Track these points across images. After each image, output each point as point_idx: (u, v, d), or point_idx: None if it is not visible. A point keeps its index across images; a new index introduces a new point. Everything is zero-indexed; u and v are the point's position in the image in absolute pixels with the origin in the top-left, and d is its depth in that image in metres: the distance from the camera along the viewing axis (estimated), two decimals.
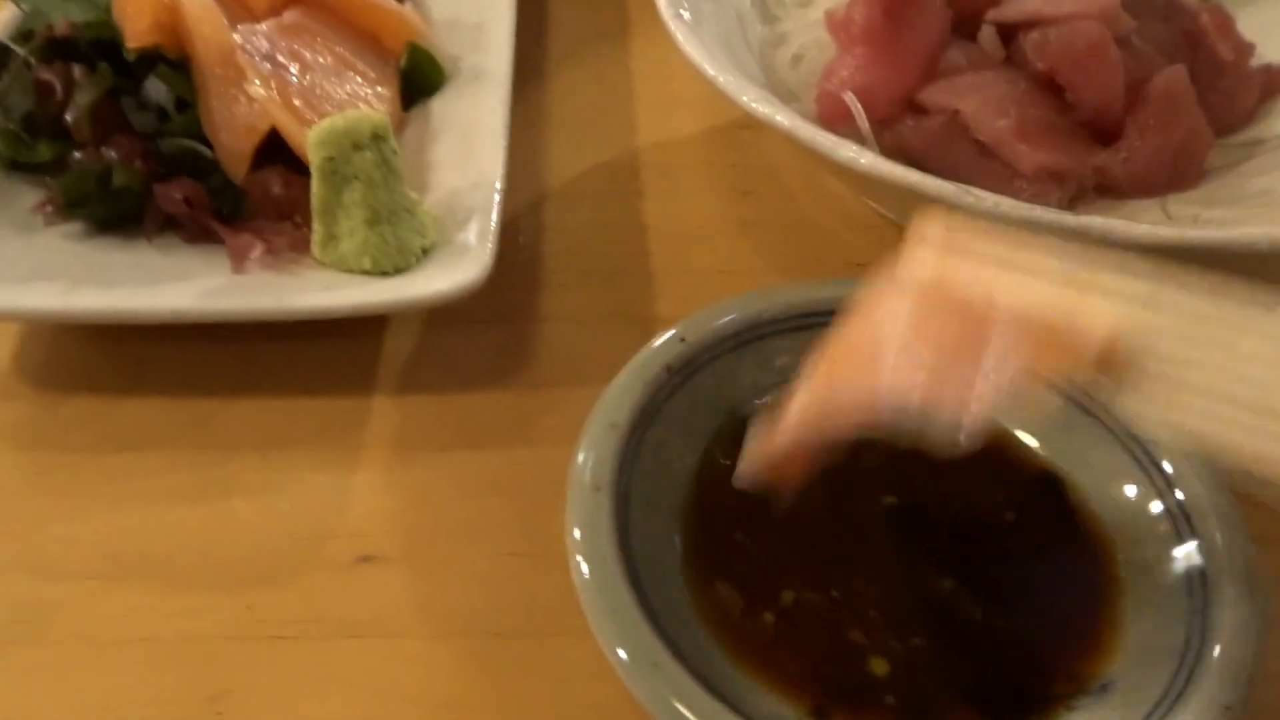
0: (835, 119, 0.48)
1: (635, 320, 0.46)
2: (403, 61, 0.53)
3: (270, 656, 0.34)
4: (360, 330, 0.44)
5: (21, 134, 0.46)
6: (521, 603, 0.36)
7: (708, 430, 0.37)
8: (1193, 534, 0.33)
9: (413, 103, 0.53)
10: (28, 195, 0.45)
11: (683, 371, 0.37)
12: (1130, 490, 0.35)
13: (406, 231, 0.42)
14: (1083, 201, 0.48)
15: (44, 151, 0.45)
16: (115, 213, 0.44)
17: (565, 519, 0.32)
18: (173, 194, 0.43)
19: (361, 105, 0.48)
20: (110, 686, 0.33)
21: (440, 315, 0.45)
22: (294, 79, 0.47)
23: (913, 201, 0.45)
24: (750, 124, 0.50)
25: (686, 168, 0.54)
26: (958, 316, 0.27)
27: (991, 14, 0.49)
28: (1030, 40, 0.48)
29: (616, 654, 0.29)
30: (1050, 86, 0.48)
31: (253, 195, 0.45)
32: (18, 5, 0.50)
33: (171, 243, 0.44)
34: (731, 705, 0.28)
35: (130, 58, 0.46)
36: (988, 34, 0.49)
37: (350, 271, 0.42)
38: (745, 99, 0.42)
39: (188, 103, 0.46)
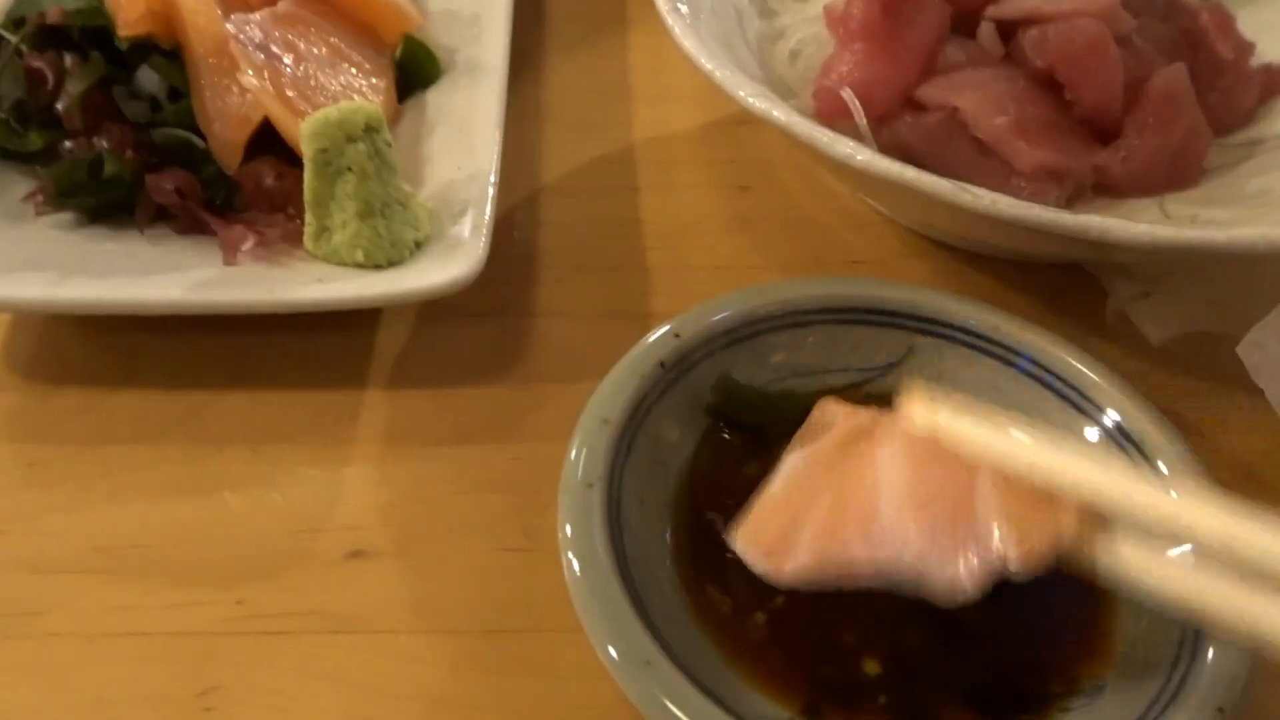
0: (833, 115, 0.48)
1: (630, 316, 0.46)
2: (398, 53, 0.52)
3: (261, 651, 0.34)
4: (353, 323, 0.44)
5: (12, 123, 0.45)
6: (514, 599, 0.36)
7: (701, 427, 0.37)
8: None
9: (408, 95, 0.52)
10: (18, 184, 0.45)
11: (677, 367, 0.37)
12: None
13: (400, 224, 0.42)
14: (1081, 200, 0.48)
15: (35, 140, 0.45)
16: (106, 203, 0.44)
17: (557, 515, 0.32)
18: (164, 184, 0.43)
19: (356, 97, 0.48)
20: (100, 680, 0.33)
21: (434, 309, 0.45)
22: (288, 70, 0.46)
23: (909, 199, 0.45)
24: (747, 119, 0.50)
25: (683, 163, 0.54)
26: (948, 477, 0.29)
27: (991, 11, 0.49)
28: (1029, 37, 0.47)
29: (608, 652, 0.29)
30: (1049, 84, 0.48)
31: (245, 186, 0.45)
32: None
33: (163, 234, 0.44)
34: (723, 704, 0.28)
35: (122, 46, 0.46)
36: (987, 31, 0.49)
37: (343, 264, 0.42)
38: (741, 94, 0.42)
39: (180, 92, 0.46)
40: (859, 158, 0.39)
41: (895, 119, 0.48)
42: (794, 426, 0.36)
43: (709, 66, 0.43)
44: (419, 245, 0.43)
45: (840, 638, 0.32)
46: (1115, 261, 0.46)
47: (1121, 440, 0.35)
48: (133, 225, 0.44)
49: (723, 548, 0.33)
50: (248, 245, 0.42)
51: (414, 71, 0.52)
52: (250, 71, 0.44)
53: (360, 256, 0.41)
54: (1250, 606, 0.24)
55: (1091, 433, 0.36)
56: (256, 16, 0.47)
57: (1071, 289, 0.47)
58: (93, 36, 0.46)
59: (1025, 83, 0.48)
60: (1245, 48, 0.52)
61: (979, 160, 0.47)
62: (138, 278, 0.41)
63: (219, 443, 0.40)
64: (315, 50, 0.48)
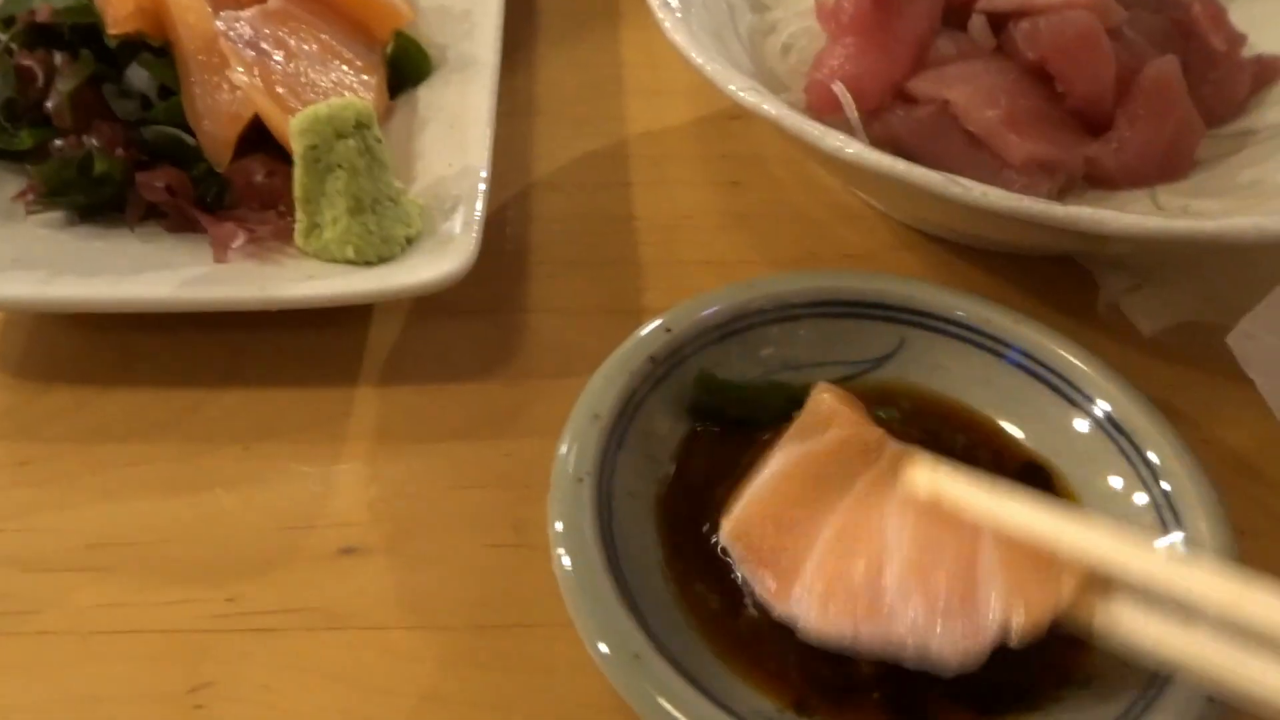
0: (824, 109, 0.48)
1: (623, 311, 0.46)
2: (389, 50, 0.52)
3: (252, 648, 0.34)
4: (345, 320, 0.44)
5: (2, 121, 0.45)
6: (506, 594, 0.36)
7: (691, 421, 0.37)
8: (1178, 525, 0.33)
9: (400, 91, 0.52)
10: (9, 183, 0.45)
11: (667, 362, 0.37)
12: (1116, 482, 0.35)
13: (390, 221, 0.42)
14: (1073, 192, 0.48)
15: (25, 139, 0.45)
16: (97, 201, 0.44)
17: (547, 511, 0.32)
18: (154, 182, 0.43)
19: (347, 93, 0.48)
20: (91, 678, 0.33)
21: (426, 306, 0.45)
22: (278, 66, 0.46)
23: (900, 192, 0.45)
24: (740, 114, 0.50)
25: (676, 158, 0.54)
26: (953, 540, 0.30)
27: (982, 3, 0.49)
28: (1020, 30, 0.47)
29: (596, 646, 0.29)
30: (1041, 76, 0.48)
31: (236, 184, 0.44)
32: None
33: (154, 232, 0.44)
34: (713, 698, 0.28)
35: (112, 44, 0.45)
36: (978, 23, 0.49)
37: (334, 261, 0.42)
38: (732, 87, 0.42)
39: (171, 90, 0.46)
40: (849, 151, 0.39)
41: (887, 112, 0.48)
42: (781, 416, 0.36)
43: (699, 60, 0.43)
44: (410, 241, 0.43)
45: None
46: (1107, 254, 0.46)
47: (1112, 431, 0.35)
48: (123, 223, 0.44)
49: (713, 543, 0.33)
50: (238, 242, 0.42)
51: (406, 68, 0.52)
52: (240, 68, 0.44)
53: (351, 253, 0.41)
54: (1248, 668, 0.25)
55: (1082, 424, 0.36)
56: (247, 13, 0.47)
57: (1064, 281, 0.47)
58: (82, 34, 0.46)
59: (1017, 75, 0.48)
60: (1237, 39, 0.52)
61: (970, 153, 0.47)
62: (128, 276, 0.41)
63: (211, 440, 0.40)
64: (306, 47, 0.48)
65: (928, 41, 0.49)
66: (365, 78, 0.50)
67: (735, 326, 0.39)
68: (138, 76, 0.46)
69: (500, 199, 0.51)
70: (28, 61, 0.45)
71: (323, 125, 0.40)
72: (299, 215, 0.42)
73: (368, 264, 0.41)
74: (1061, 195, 0.47)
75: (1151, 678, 0.29)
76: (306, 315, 0.42)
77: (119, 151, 0.44)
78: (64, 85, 0.45)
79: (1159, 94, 0.48)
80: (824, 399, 0.35)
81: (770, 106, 0.41)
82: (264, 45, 0.46)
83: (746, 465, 0.35)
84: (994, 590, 0.28)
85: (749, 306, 0.39)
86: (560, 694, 0.33)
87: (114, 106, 0.46)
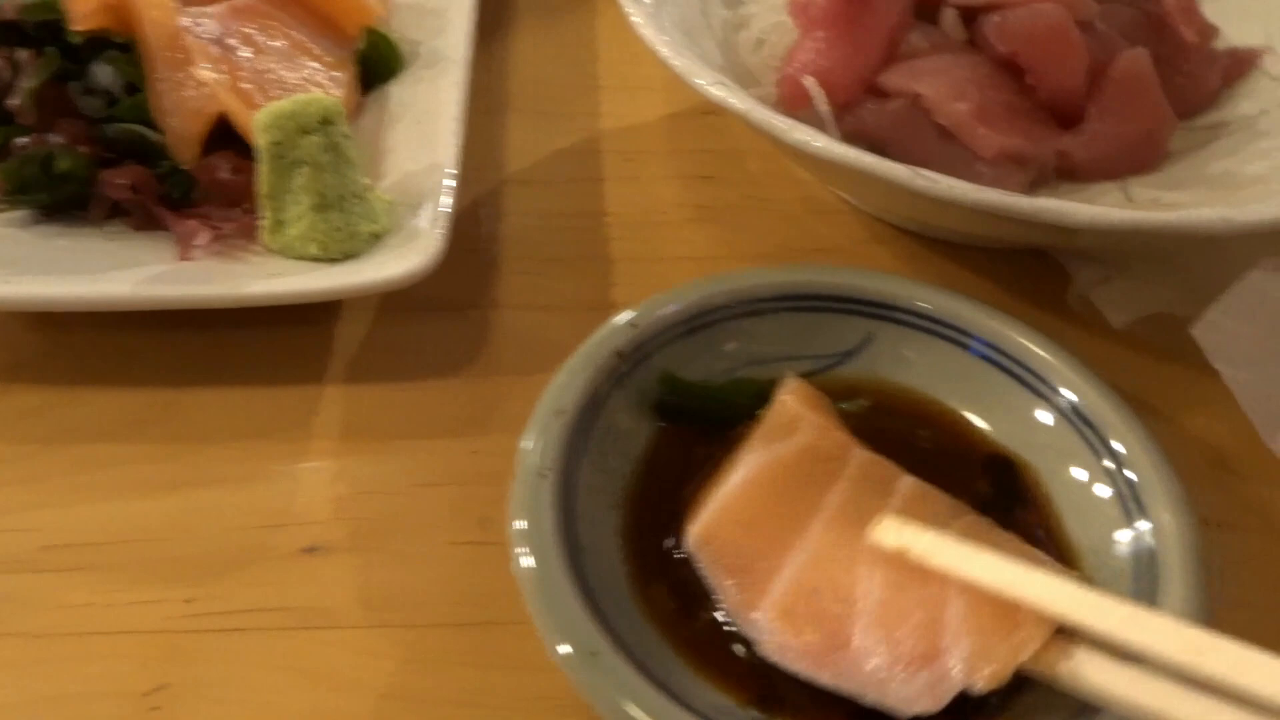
0: (796, 103, 0.48)
1: (594, 307, 0.46)
2: (361, 46, 0.52)
3: (213, 649, 0.34)
4: (313, 317, 0.44)
5: None
6: (471, 592, 0.35)
7: (658, 418, 0.37)
8: (1143, 516, 0.33)
9: (371, 87, 0.52)
10: None
11: (633, 357, 0.37)
12: (1082, 473, 0.35)
13: (357, 217, 0.41)
14: (1045, 185, 0.48)
15: None
16: (60, 199, 0.43)
17: (509, 508, 0.32)
18: (117, 180, 0.43)
19: (316, 90, 0.47)
20: (46, 679, 0.33)
21: (396, 302, 0.45)
22: (245, 62, 0.46)
23: (868, 185, 0.45)
24: (714, 109, 0.49)
25: (650, 153, 0.54)
26: (922, 588, 0.30)
27: None
28: (991, 23, 0.47)
29: (553, 643, 0.28)
30: (1012, 69, 0.48)
31: (202, 181, 0.44)
32: None
33: (119, 230, 0.44)
34: (674, 696, 0.28)
35: (77, 41, 0.45)
36: (949, 16, 0.49)
37: (299, 258, 0.41)
38: (699, 81, 0.41)
39: (137, 87, 0.45)
40: (816, 144, 0.39)
41: (858, 106, 0.48)
42: (749, 412, 0.36)
43: (667, 54, 0.43)
44: (377, 238, 0.42)
45: None
46: (1077, 246, 0.46)
47: (1078, 422, 0.35)
48: (88, 221, 0.44)
49: (677, 543, 0.33)
50: (202, 240, 0.41)
51: (377, 64, 0.52)
52: (205, 64, 0.44)
53: (316, 250, 0.41)
54: (1208, 717, 0.25)
55: (1049, 415, 0.36)
56: (213, 9, 0.47)
57: (1036, 275, 0.47)
58: (47, 31, 0.45)
59: (988, 68, 0.47)
60: (1208, 31, 0.52)
61: (942, 146, 0.47)
62: (92, 274, 0.40)
63: (175, 441, 0.39)
64: (274, 43, 0.48)
65: (899, 35, 0.48)
66: (335, 74, 0.49)
67: (702, 321, 0.38)
68: (103, 73, 0.45)
69: (472, 194, 0.51)
70: None
71: (286, 121, 0.40)
72: (264, 212, 0.42)
73: (333, 261, 0.41)
74: (1033, 188, 0.47)
75: None
76: (273, 313, 0.42)
77: (83, 149, 0.44)
78: (28, 82, 0.44)
79: (1130, 86, 0.48)
80: (787, 401, 0.35)
81: (737, 100, 0.41)
82: (230, 41, 0.46)
83: (714, 464, 0.35)
84: (959, 642, 0.29)
85: (716, 301, 0.38)
86: (525, 691, 0.33)
87: (79, 104, 0.45)
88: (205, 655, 0.34)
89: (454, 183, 0.44)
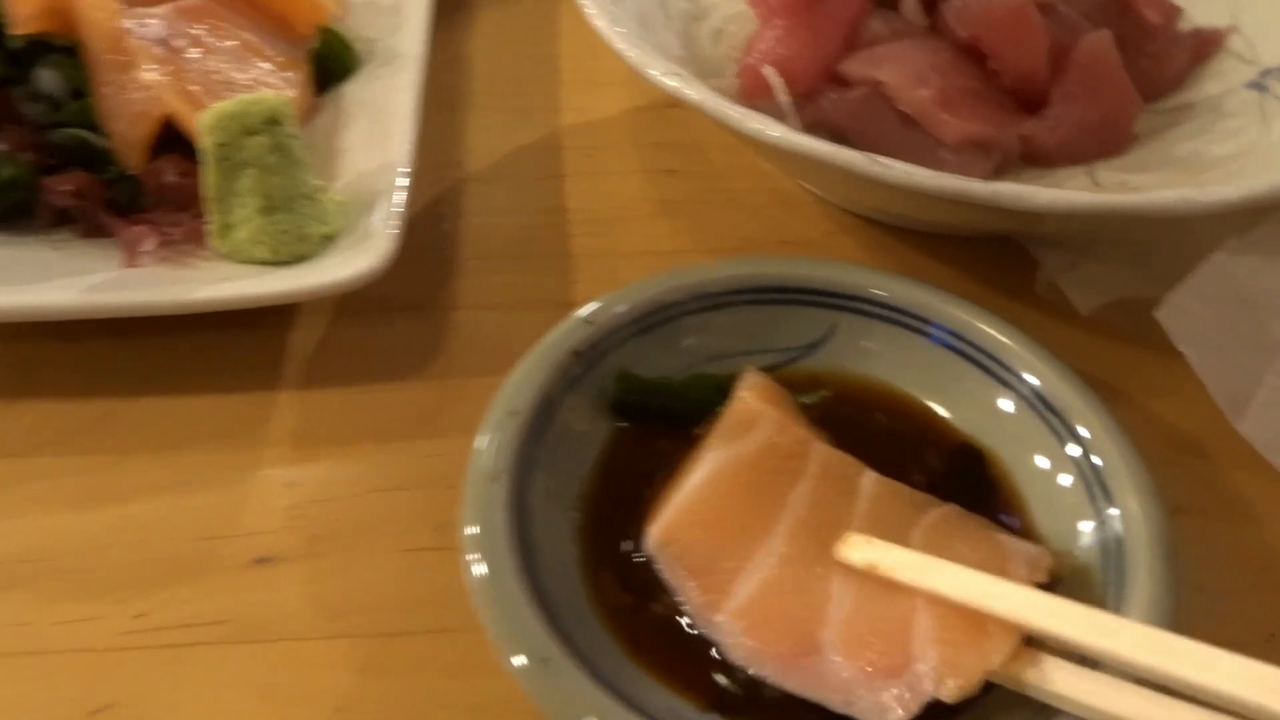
0: (757, 93, 0.47)
1: (554, 305, 0.45)
2: (315, 46, 0.51)
3: (159, 666, 0.33)
4: (266, 322, 0.43)
5: None
6: (425, 600, 0.34)
7: (616, 418, 0.36)
8: (1109, 502, 0.32)
9: (326, 87, 0.51)
10: None
11: (590, 355, 0.36)
12: (1047, 460, 0.34)
13: (306, 219, 0.40)
14: (1010, 171, 0.47)
15: None
16: (4, 207, 0.42)
17: (461, 513, 0.31)
18: (62, 187, 0.42)
19: (267, 90, 0.46)
20: None
21: (352, 304, 0.44)
22: (192, 64, 0.45)
23: (827, 174, 0.44)
24: (677, 102, 0.48)
25: (611, 148, 0.53)
26: (890, 600, 0.30)
27: None
28: (951, 7, 0.47)
29: (504, 649, 0.28)
30: (974, 55, 0.47)
31: (149, 186, 0.43)
32: None
33: (66, 238, 0.43)
34: (629, 702, 0.27)
35: (17, 45, 0.44)
36: (910, 2, 0.48)
37: (248, 261, 0.40)
38: (653, 73, 0.41)
39: (83, 91, 0.44)
40: (771, 133, 0.38)
41: (820, 95, 0.47)
42: (710, 408, 0.35)
43: (621, 45, 0.42)
44: (328, 239, 0.41)
45: None
46: (1042, 232, 0.45)
47: (1041, 408, 0.34)
48: (34, 230, 0.42)
49: (636, 546, 0.32)
50: (148, 245, 0.40)
51: (331, 63, 0.51)
52: (150, 66, 0.43)
53: (264, 253, 0.40)
54: None
55: (1012, 402, 0.35)
56: (158, 10, 0.46)
57: (1004, 263, 0.47)
58: None
59: (949, 54, 0.47)
60: (1172, 12, 0.51)
61: (905, 134, 0.46)
62: (33, 283, 0.39)
63: (122, 452, 0.38)
64: (223, 44, 0.47)
65: (859, 22, 0.48)
66: (287, 74, 0.48)
67: (661, 317, 0.37)
68: (46, 78, 0.44)
69: (431, 193, 0.50)
70: None
71: (230, 122, 0.39)
72: (211, 215, 0.41)
73: (283, 263, 0.40)
74: (998, 174, 0.47)
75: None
76: (224, 318, 0.41)
77: (27, 156, 0.43)
78: None
79: (1093, 69, 0.47)
80: (746, 398, 0.34)
81: (692, 91, 0.40)
82: (177, 43, 0.45)
83: (675, 463, 0.34)
84: (927, 652, 0.28)
85: (676, 295, 0.38)
86: (487, 697, 0.32)
87: (22, 110, 0.44)
88: (152, 672, 0.32)
89: (407, 181, 0.43)
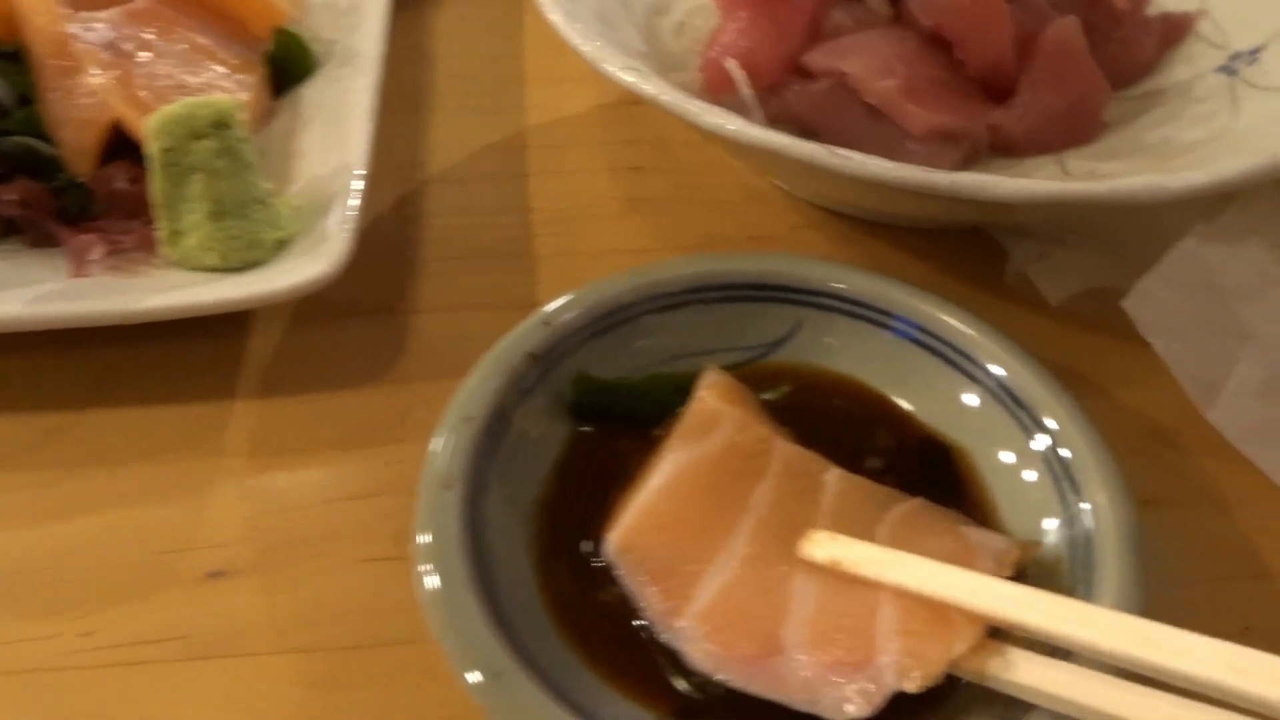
0: (721, 87, 0.46)
1: (519, 306, 0.43)
2: (271, 48, 0.50)
3: (110, 685, 0.32)
4: (222, 330, 0.42)
5: None
6: (384, 611, 0.34)
7: (576, 421, 0.35)
8: (1077, 496, 0.31)
9: (284, 90, 0.50)
10: None
11: (548, 358, 0.35)
12: (1014, 453, 0.34)
13: (258, 224, 0.39)
14: (979, 161, 0.46)
15: None
16: None
17: (414, 522, 0.30)
18: (8, 196, 0.41)
19: (220, 94, 0.45)
20: None
21: (310, 310, 0.43)
22: (141, 68, 0.44)
23: (790, 168, 0.43)
24: (642, 98, 0.48)
25: (576, 146, 0.52)
26: (854, 594, 0.29)
27: None
28: None
29: (462, 670, 0.27)
30: (939, 44, 0.46)
31: (99, 193, 0.42)
32: None
33: (14, 248, 0.42)
34: (585, 713, 0.27)
35: None
36: None
37: (199, 268, 0.39)
38: (609, 68, 0.40)
39: (30, 99, 0.44)
40: (729, 127, 0.37)
41: (784, 88, 0.46)
42: (670, 409, 0.34)
43: (577, 41, 0.41)
44: (282, 244, 0.40)
45: None
46: (1010, 222, 0.45)
47: (1008, 401, 0.34)
48: None
49: (595, 553, 0.31)
50: (95, 254, 0.39)
51: (288, 65, 0.50)
52: (96, 71, 0.42)
53: (215, 259, 0.39)
54: (1147, 711, 0.25)
55: (978, 395, 0.35)
56: (106, 14, 0.45)
57: (974, 253, 0.46)
58: None
59: (914, 43, 0.46)
60: None
61: (872, 126, 0.45)
62: None
63: (74, 465, 0.38)
64: (174, 47, 0.46)
65: (822, 13, 0.47)
66: (241, 77, 0.47)
67: (622, 316, 0.37)
68: None
69: (393, 195, 0.49)
70: None
71: (176, 126, 0.38)
72: (160, 222, 0.40)
73: (234, 270, 0.39)
74: (967, 165, 0.46)
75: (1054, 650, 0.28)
76: (178, 327, 0.40)
77: None
78: None
79: (1060, 57, 0.46)
80: (705, 397, 0.34)
81: (649, 85, 0.39)
82: (125, 46, 0.44)
83: (635, 466, 0.34)
84: (890, 644, 0.28)
85: (637, 294, 0.37)
86: (443, 711, 0.31)
87: None
88: (104, 691, 0.32)
89: (363, 184, 0.42)
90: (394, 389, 0.41)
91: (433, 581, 0.29)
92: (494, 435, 0.33)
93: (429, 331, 0.43)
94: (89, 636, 0.33)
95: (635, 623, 0.30)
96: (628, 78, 0.39)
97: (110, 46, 0.43)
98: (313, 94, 0.49)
